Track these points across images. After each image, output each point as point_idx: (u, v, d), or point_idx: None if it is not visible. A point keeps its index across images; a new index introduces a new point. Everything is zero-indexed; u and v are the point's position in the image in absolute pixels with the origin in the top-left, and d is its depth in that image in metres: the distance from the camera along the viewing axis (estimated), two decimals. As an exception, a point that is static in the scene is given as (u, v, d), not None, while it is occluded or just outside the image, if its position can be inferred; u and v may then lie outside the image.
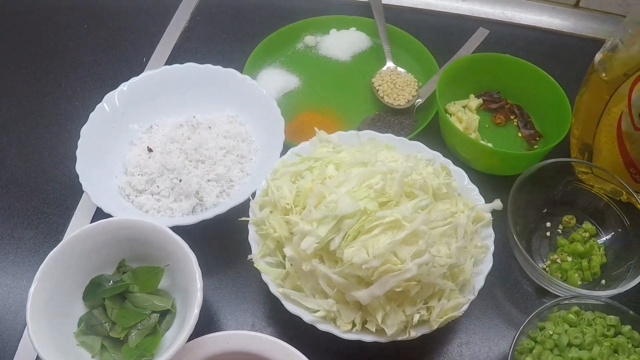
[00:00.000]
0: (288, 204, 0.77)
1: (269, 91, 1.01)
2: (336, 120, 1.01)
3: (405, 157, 0.81)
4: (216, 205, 0.89)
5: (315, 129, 0.87)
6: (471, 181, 0.87)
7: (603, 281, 0.87)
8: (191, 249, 0.77)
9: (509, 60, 1.02)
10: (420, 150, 0.87)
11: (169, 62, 1.12)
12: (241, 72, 1.00)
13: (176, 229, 0.79)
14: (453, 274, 0.76)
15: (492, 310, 0.87)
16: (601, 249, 0.89)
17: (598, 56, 0.86)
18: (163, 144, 0.95)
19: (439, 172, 0.81)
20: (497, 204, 0.82)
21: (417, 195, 0.75)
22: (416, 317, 0.73)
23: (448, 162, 0.87)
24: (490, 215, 0.82)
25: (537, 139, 0.99)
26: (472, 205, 0.81)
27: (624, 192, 0.86)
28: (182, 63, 1.01)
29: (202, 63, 1.01)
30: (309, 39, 1.14)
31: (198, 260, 0.76)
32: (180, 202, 0.90)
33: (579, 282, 0.86)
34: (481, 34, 1.15)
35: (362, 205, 0.72)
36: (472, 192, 0.85)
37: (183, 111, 1.00)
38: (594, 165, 0.90)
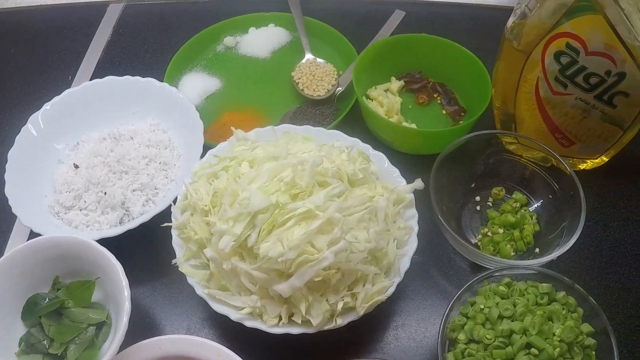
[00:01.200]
0: (206, 205, 0.77)
1: (191, 96, 1.02)
2: (258, 117, 1.01)
3: (318, 147, 0.81)
4: (143, 214, 0.89)
5: (232, 128, 0.87)
6: (397, 163, 0.87)
7: (537, 249, 0.87)
8: (123, 259, 0.77)
9: (426, 39, 1.03)
10: (339, 139, 0.87)
11: (93, 77, 1.11)
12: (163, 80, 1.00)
13: (105, 241, 0.80)
14: (376, 257, 0.77)
15: (427, 290, 0.87)
16: (533, 217, 0.89)
17: (508, 25, 0.86)
18: (88, 159, 0.95)
19: (355, 158, 0.81)
20: (418, 183, 0.83)
21: (331, 183, 0.75)
22: (340, 305, 0.73)
23: (367, 148, 0.87)
24: (411, 195, 0.82)
25: (462, 114, 1.00)
26: (391, 187, 0.81)
27: (552, 158, 0.87)
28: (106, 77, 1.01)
29: (128, 75, 1.01)
30: (229, 40, 1.14)
31: (130, 270, 0.76)
32: (107, 215, 0.90)
33: (512, 254, 0.87)
34: (398, 16, 1.15)
35: (274, 199, 0.73)
36: (394, 174, 0.85)
37: (107, 125, 1.00)
38: (517, 134, 0.91)
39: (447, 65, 1.02)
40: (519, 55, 0.84)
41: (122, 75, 1.01)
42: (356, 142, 0.87)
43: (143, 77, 1.00)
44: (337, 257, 0.70)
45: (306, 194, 0.74)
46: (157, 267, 0.89)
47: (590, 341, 0.72)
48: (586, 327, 0.72)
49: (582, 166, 0.95)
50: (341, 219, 0.71)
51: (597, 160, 0.94)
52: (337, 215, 0.72)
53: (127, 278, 0.75)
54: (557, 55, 0.81)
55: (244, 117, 1.01)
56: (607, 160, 0.94)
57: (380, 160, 0.86)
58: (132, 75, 1.01)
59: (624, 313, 0.84)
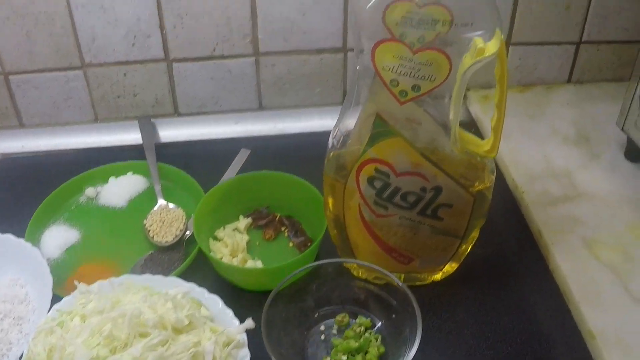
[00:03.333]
0: (43, 360, 0.77)
1: (52, 249, 1.03)
2: (114, 268, 1.01)
3: (144, 297, 0.82)
4: (-3, 370, 0.88)
5: (75, 282, 0.88)
6: (243, 301, 0.89)
7: (384, 371, 0.86)
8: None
9: (269, 175, 1.06)
10: (176, 285, 0.88)
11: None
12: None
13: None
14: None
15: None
16: (378, 339, 0.89)
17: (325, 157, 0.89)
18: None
19: (183, 305, 0.82)
20: (249, 323, 0.83)
21: (151, 333, 0.76)
22: None
23: (202, 292, 0.87)
24: (243, 336, 0.82)
25: (309, 244, 1.01)
26: (220, 329, 0.81)
27: (385, 277, 0.88)
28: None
29: None
30: (90, 191, 1.15)
31: None
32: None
33: (358, 379, 0.86)
34: (244, 155, 1.19)
35: (95, 353, 0.73)
36: (228, 315, 0.85)
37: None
38: (352, 260, 0.92)
39: (291, 198, 1.05)
40: (338, 184, 0.87)
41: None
42: (192, 287, 0.88)
43: (11, 230, 1.01)
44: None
45: (126, 346, 0.74)
46: None
47: None
48: None
49: (433, 277, 0.96)
50: (160, 368, 0.72)
51: (447, 269, 0.95)
52: (156, 364, 0.72)
53: None
54: (370, 181, 0.84)
55: (99, 268, 1.01)
56: (456, 267, 0.95)
57: (214, 303, 0.86)
58: (1, 231, 1.01)
59: None
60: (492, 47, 0.73)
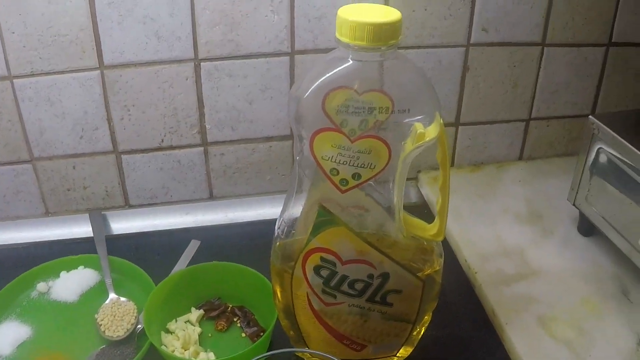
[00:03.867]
0: None
1: (3, 346, 1.01)
2: (65, 364, 0.99)
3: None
4: None
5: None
6: None
7: None
8: None
9: (219, 266, 1.06)
10: (124, 382, 0.86)
11: None
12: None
13: None
14: None
15: None
16: None
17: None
18: None
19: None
20: None
21: None
22: None
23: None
24: None
25: (262, 334, 1.00)
26: None
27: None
28: None
29: None
30: (41, 286, 1.14)
31: None
32: None
33: None
34: (194, 246, 1.19)
35: None
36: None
37: None
38: (304, 350, 0.92)
39: (243, 288, 1.04)
40: (285, 274, 0.87)
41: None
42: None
43: None
44: None
45: None
46: None
47: None
48: None
49: (391, 362, 0.95)
50: None
51: (402, 353, 0.94)
52: None
53: None
54: (317, 270, 0.84)
55: (50, 365, 0.99)
56: (411, 350, 0.95)
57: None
58: None
59: None
60: (432, 131, 0.74)
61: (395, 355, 0.95)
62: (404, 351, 0.95)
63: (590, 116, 1.09)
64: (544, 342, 0.97)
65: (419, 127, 0.74)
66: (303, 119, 0.77)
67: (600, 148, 1.07)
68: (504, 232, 1.19)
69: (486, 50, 1.25)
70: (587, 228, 1.17)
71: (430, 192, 1.31)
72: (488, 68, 1.27)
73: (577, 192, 1.14)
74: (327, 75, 0.75)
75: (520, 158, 1.41)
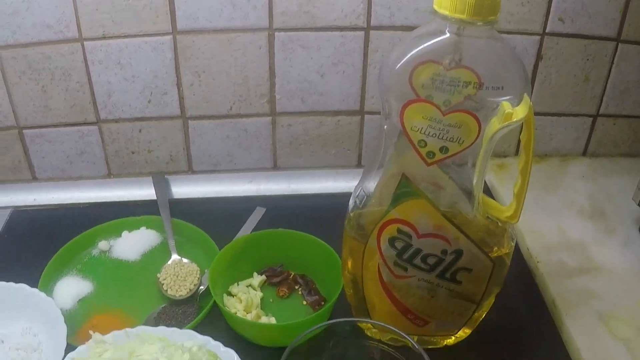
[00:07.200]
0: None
1: (64, 300, 1.03)
2: (127, 319, 1.01)
3: (162, 348, 0.81)
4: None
5: (90, 331, 0.87)
6: (256, 357, 0.89)
7: None
8: None
9: (284, 233, 1.06)
10: (192, 338, 0.87)
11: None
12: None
13: None
14: None
15: None
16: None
17: (346, 216, 0.88)
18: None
19: (200, 357, 0.81)
20: None
21: (168, 385, 0.75)
22: None
23: (217, 345, 0.86)
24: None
25: (323, 303, 1.00)
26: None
27: (401, 338, 0.87)
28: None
29: (8, 281, 1.00)
30: (103, 244, 1.15)
31: None
32: None
33: None
34: (259, 213, 1.19)
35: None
36: (241, 370, 0.84)
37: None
38: (368, 320, 0.91)
39: (306, 257, 1.05)
40: (358, 244, 0.86)
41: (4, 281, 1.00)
42: (207, 340, 0.87)
43: (24, 281, 0.99)
44: None
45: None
46: None
47: None
48: None
49: (446, 341, 0.95)
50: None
51: (460, 334, 0.94)
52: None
53: None
54: (392, 241, 0.83)
55: (112, 319, 1.01)
56: (469, 332, 0.94)
57: (229, 357, 0.85)
58: (14, 281, 1.00)
59: None
60: (520, 112, 0.73)
61: (454, 335, 0.94)
62: (463, 332, 0.94)
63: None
64: (603, 337, 0.96)
65: (507, 106, 0.73)
66: (393, 90, 0.77)
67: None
68: (567, 226, 1.19)
69: (561, 40, 1.24)
70: (650, 229, 1.16)
71: (494, 179, 1.30)
72: (562, 59, 1.26)
73: (642, 192, 1.13)
74: (420, 47, 0.75)
75: (584, 154, 1.40)
